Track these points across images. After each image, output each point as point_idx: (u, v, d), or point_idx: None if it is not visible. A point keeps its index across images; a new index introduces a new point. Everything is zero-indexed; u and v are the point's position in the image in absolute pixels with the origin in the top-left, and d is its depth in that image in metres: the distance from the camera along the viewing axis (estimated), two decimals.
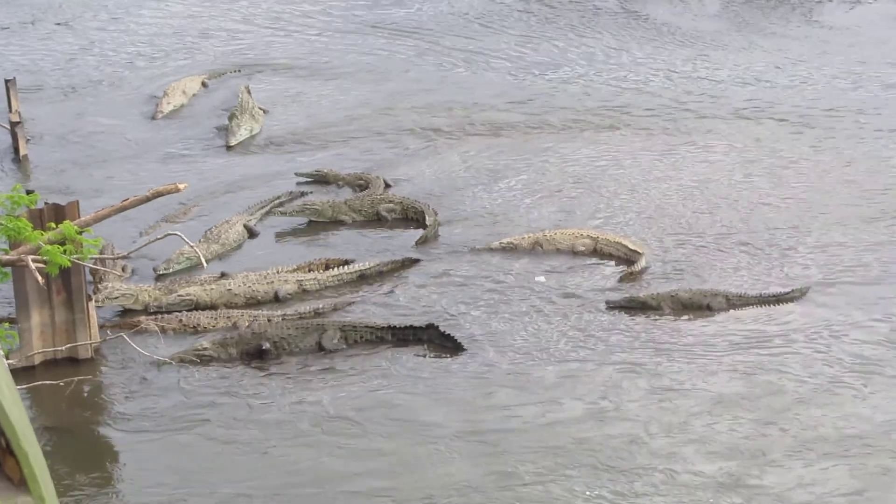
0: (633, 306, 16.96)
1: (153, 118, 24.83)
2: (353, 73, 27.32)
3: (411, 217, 20.15)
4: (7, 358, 11.68)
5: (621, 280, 17.89)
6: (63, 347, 15.58)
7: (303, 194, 21.06)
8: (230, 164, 22.63)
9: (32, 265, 12.25)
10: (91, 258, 13.82)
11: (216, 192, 21.26)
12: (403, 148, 23.18)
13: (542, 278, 17.98)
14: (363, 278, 18.18)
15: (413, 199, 20.35)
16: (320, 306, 17.30)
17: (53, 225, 13.28)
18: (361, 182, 21.42)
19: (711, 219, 19.75)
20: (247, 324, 16.67)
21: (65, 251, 12.54)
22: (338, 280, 18.11)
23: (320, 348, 16.11)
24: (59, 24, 30.92)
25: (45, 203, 15.39)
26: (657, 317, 16.78)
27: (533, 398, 14.87)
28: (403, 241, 19.44)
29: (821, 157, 22.31)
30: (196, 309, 17.35)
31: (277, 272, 17.98)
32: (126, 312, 17.23)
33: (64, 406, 14.89)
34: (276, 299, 17.67)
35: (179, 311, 17.20)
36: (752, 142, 23.12)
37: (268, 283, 17.76)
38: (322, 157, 22.78)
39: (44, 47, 29.16)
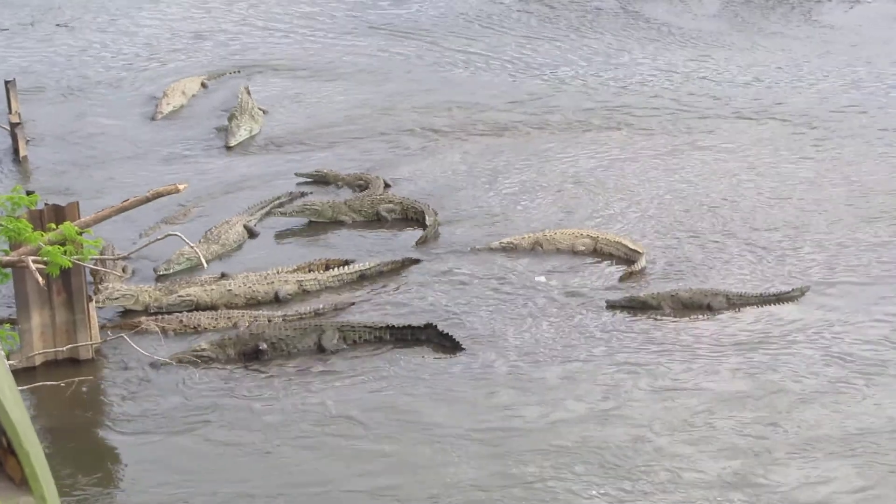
0: (634, 306, 16.96)
1: (153, 119, 24.84)
2: (352, 74, 27.32)
3: (411, 217, 20.15)
4: (8, 359, 11.67)
5: (621, 280, 17.89)
6: (64, 348, 15.57)
7: (303, 195, 21.05)
8: (230, 165, 22.63)
9: (33, 266, 12.25)
10: (91, 259, 13.81)
11: (216, 192, 21.26)
12: (403, 148, 23.18)
13: (542, 278, 17.98)
14: (363, 279, 18.18)
15: (413, 200, 20.35)
16: (321, 307, 17.29)
17: (54, 226, 13.27)
18: (361, 182, 21.42)
19: (712, 218, 19.74)
20: (246, 324, 16.67)
21: (65, 252, 12.54)
22: (338, 280, 18.11)
23: (320, 349, 16.12)
24: (58, 25, 30.92)
25: (46, 204, 15.39)
26: (658, 316, 16.78)
27: (535, 398, 14.87)
28: (403, 241, 19.45)
29: (822, 157, 22.31)
30: (196, 309, 17.34)
31: (278, 273, 17.98)
32: (126, 313, 17.23)
33: (65, 406, 14.89)
34: (277, 300, 17.67)
35: (180, 312, 17.20)
36: (753, 142, 23.11)
37: (268, 283, 17.75)
38: (322, 158, 22.78)
39: (44, 49, 29.15)
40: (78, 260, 13.04)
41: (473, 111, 24.78)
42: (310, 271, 18.25)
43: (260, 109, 24.69)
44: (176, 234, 14.74)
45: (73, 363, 15.80)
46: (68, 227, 12.65)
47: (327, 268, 18.37)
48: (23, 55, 28.64)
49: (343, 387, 15.31)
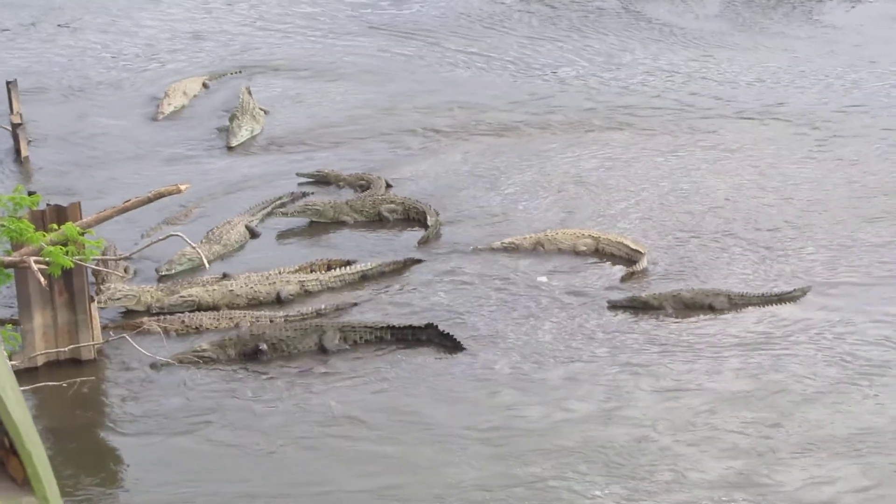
0: (636, 306, 16.95)
1: (154, 119, 24.85)
2: (354, 74, 27.32)
3: (413, 217, 20.14)
4: (10, 359, 11.67)
5: (623, 280, 17.88)
6: (66, 348, 15.57)
7: (304, 195, 21.05)
8: (231, 165, 22.64)
9: (35, 266, 12.24)
10: (93, 259, 13.80)
11: (217, 192, 21.26)
12: (405, 148, 23.18)
13: (544, 278, 17.97)
14: (365, 279, 18.18)
15: (415, 200, 20.35)
16: (322, 307, 17.29)
17: (55, 226, 13.26)
18: (363, 182, 21.41)
19: (714, 218, 19.73)
20: (248, 325, 16.67)
21: (67, 252, 12.53)
22: (340, 281, 18.10)
23: (322, 350, 16.11)
24: (60, 25, 30.93)
25: (47, 204, 15.39)
26: (660, 317, 16.78)
27: (537, 398, 14.86)
28: (405, 241, 19.44)
29: (825, 157, 22.30)
30: (198, 310, 17.34)
31: (279, 273, 17.98)
32: (128, 313, 17.23)
33: (67, 407, 14.89)
34: (279, 300, 17.67)
35: (182, 312, 17.20)
36: (756, 142, 23.09)
37: (270, 283, 17.75)
38: (323, 158, 22.79)
39: (45, 49, 29.16)
40: (80, 260, 13.03)
41: (475, 111, 24.78)
42: (312, 272, 18.24)
43: (261, 110, 24.70)
44: (178, 235, 14.74)
45: (75, 363, 15.80)
46: (70, 228, 12.64)
47: (329, 268, 18.36)
48: (24, 56, 28.65)
49: (345, 387, 15.31)
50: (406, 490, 13.24)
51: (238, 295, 17.63)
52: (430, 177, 21.79)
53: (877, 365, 15.49)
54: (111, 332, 16.38)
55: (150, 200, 13.83)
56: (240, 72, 27.54)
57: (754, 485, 13.21)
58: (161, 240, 14.70)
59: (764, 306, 17.00)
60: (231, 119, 23.96)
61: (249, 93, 24.88)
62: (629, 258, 18.40)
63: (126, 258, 17.70)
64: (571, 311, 16.99)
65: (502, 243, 18.85)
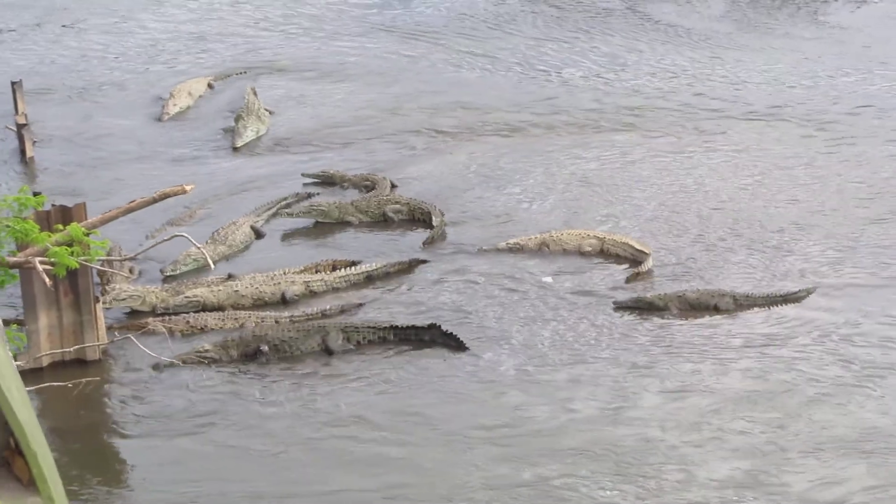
0: (641, 307, 16.94)
1: (159, 120, 24.87)
2: (359, 75, 27.32)
3: (418, 218, 20.14)
4: (15, 359, 11.67)
5: (628, 280, 17.87)
6: (71, 349, 15.56)
7: (309, 195, 21.05)
8: (237, 166, 22.65)
9: (40, 267, 12.24)
10: (98, 260, 13.79)
11: (223, 193, 21.27)
12: (410, 149, 23.18)
13: (549, 279, 17.96)
14: (370, 279, 18.17)
15: (420, 200, 20.34)
16: (327, 308, 17.29)
17: (61, 227, 13.26)
18: (368, 183, 21.42)
19: (720, 219, 19.71)
20: (253, 325, 16.68)
21: (72, 253, 12.52)
22: (345, 281, 18.10)
23: (327, 350, 16.10)
24: (65, 26, 30.96)
25: (53, 205, 15.39)
26: (665, 317, 16.76)
27: (544, 399, 14.84)
28: (410, 242, 19.44)
29: (832, 158, 22.26)
30: (203, 310, 17.34)
31: (284, 273, 17.98)
32: (133, 314, 17.24)
33: (72, 407, 14.89)
34: (284, 301, 17.67)
35: (187, 313, 17.20)
36: (763, 142, 23.07)
37: (275, 284, 17.75)
38: (328, 159, 22.79)
39: (50, 50, 29.20)
40: (85, 261, 13.02)
41: (481, 112, 24.78)
42: (317, 272, 18.24)
43: (266, 110, 24.71)
44: (183, 235, 14.73)
45: (80, 364, 15.80)
46: (75, 228, 12.64)
47: (334, 269, 18.36)
48: (29, 56, 28.69)
49: (350, 388, 15.30)
50: (412, 490, 13.23)
51: (243, 295, 17.63)
52: (435, 177, 21.79)
53: (882, 366, 15.46)
54: (116, 333, 16.37)
55: (155, 201, 13.81)
56: (245, 72, 27.56)
57: (762, 485, 13.19)
58: (166, 240, 14.70)
59: (769, 307, 16.98)
60: (236, 120, 23.97)
61: (255, 93, 24.89)
62: (634, 259, 18.39)
63: (131, 259, 17.70)
64: (577, 311, 16.97)
65: (507, 244, 18.85)
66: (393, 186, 21.30)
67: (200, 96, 26.11)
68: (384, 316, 16.99)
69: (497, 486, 13.21)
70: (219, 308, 17.42)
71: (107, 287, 17.38)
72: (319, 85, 26.76)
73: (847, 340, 16.07)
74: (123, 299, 17.16)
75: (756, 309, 16.94)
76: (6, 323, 15.60)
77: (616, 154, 22.59)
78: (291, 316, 17.00)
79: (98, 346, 15.90)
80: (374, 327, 16.37)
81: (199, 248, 14.96)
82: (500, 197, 20.83)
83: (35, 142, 23.09)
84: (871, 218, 19.69)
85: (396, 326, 16.38)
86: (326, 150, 23.29)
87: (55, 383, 14.26)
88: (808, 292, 17.22)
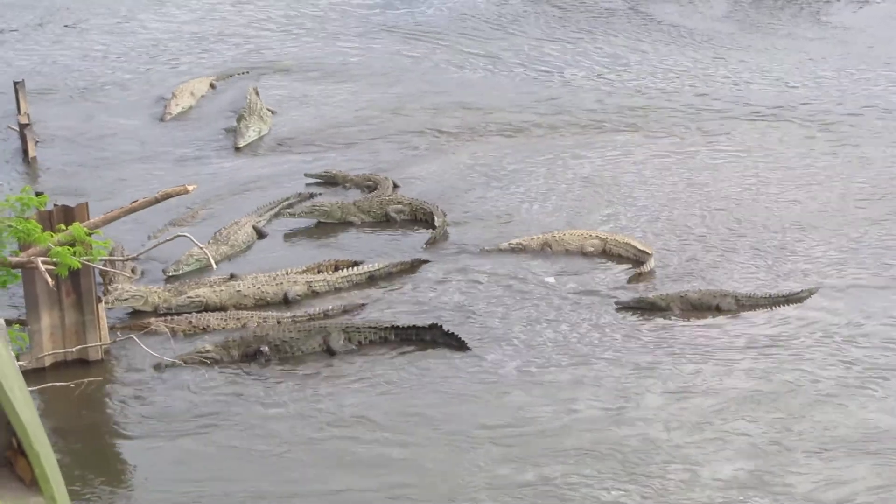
0: (643, 307, 16.94)
1: (162, 120, 24.86)
2: (361, 75, 27.31)
3: (420, 218, 20.13)
4: (18, 359, 11.68)
5: (630, 281, 17.87)
6: (73, 349, 15.56)
7: (312, 195, 21.05)
8: (239, 166, 22.64)
9: (42, 267, 12.24)
10: (101, 260, 13.80)
11: (225, 193, 21.26)
12: (412, 149, 23.17)
13: (551, 279, 17.96)
14: (372, 280, 18.17)
15: (422, 200, 20.33)
16: (330, 308, 17.29)
17: (63, 227, 13.26)
18: (370, 183, 21.41)
19: (723, 219, 19.70)
20: (254, 325, 16.68)
21: (74, 253, 12.53)
22: (347, 281, 18.09)
23: (329, 351, 16.10)
24: (67, 26, 30.96)
25: (55, 205, 15.39)
26: (667, 318, 16.76)
27: (547, 399, 14.84)
28: (412, 242, 19.44)
29: (836, 159, 22.25)
30: (205, 310, 17.34)
31: (287, 274, 17.98)
32: (136, 314, 17.24)
33: (74, 407, 14.89)
34: (286, 301, 17.67)
35: (189, 313, 17.20)
36: (767, 143, 23.04)
37: (277, 284, 17.75)
38: (331, 159, 22.78)
39: (52, 50, 29.19)
40: (87, 261, 13.02)
41: (483, 112, 24.77)
42: (319, 272, 18.24)
43: (268, 110, 24.71)
44: (185, 236, 14.74)
45: (82, 364, 15.80)
46: (77, 228, 12.64)
47: (336, 269, 18.36)
48: (31, 56, 28.68)
49: (353, 389, 15.29)
50: (414, 491, 13.22)
51: (245, 295, 17.63)
52: (437, 177, 21.78)
53: (886, 367, 15.45)
54: (118, 333, 16.38)
55: (157, 201, 13.82)
56: (247, 72, 27.55)
57: (767, 485, 13.18)
58: (169, 240, 14.70)
59: (771, 307, 16.97)
60: (238, 120, 23.97)
61: (257, 93, 24.88)
62: (637, 259, 18.39)
63: (133, 259, 17.70)
64: (579, 311, 16.97)
65: (510, 244, 18.84)
66: (395, 186, 21.30)
67: (203, 96, 26.10)
68: (386, 316, 16.98)
69: (500, 487, 13.21)
70: (221, 308, 17.42)
71: (109, 287, 17.38)
72: (322, 85, 26.75)
73: (850, 341, 16.06)
74: (126, 299, 17.16)
75: (758, 309, 16.93)
76: (9, 323, 15.61)
77: (618, 154, 22.58)
78: (294, 316, 16.99)
79: (100, 346, 15.90)
80: (375, 327, 16.36)
81: (201, 248, 14.98)
82: (502, 197, 20.83)
83: (37, 142, 23.10)
84: (874, 218, 19.68)
85: (397, 326, 16.38)
86: (329, 150, 23.28)
87: (57, 383, 14.28)
88: (811, 293, 17.21)
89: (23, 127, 22.82)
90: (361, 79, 27.04)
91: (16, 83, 23.74)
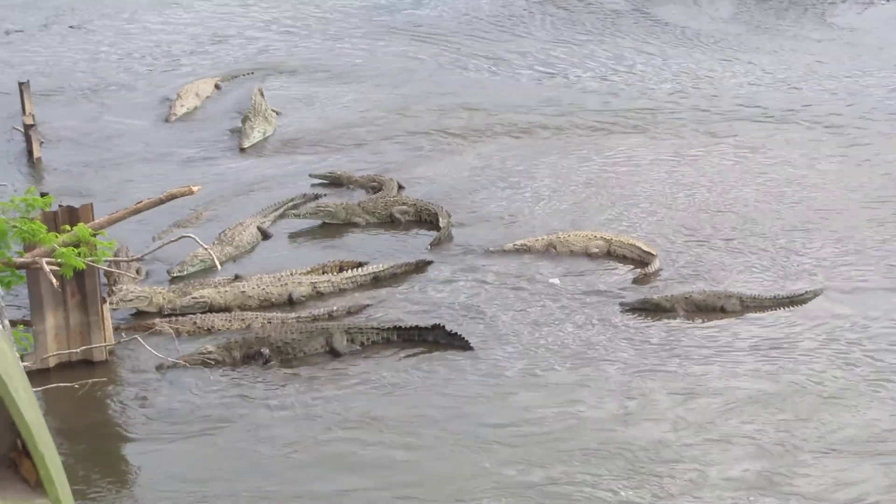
0: (648, 308, 16.92)
1: (167, 121, 24.86)
2: (366, 76, 27.30)
3: (425, 219, 20.12)
4: (22, 360, 11.67)
5: (635, 282, 17.85)
6: (78, 350, 15.56)
7: (316, 196, 21.04)
8: (244, 167, 22.64)
9: (47, 267, 12.23)
10: (105, 260, 13.80)
11: (230, 194, 21.26)
12: (417, 150, 23.16)
13: (556, 280, 17.94)
14: (377, 280, 18.16)
15: (427, 201, 20.32)
16: (334, 309, 17.28)
17: (68, 227, 13.26)
18: (375, 184, 21.40)
19: (727, 220, 19.68)
20: (258, 326, 16.66)
21: (79, 254, 12.52)
22: (352, 282, 18.09)
23: (333, 352, 16.08)
24: (72, 27, 30.98)
25: (60, 206, 15.39)
26: (672, 318, 16.74)
27: (553, 400, 14.81)
28: (417, 243, 19.42)
29: (843, 160, 22.20)
30: (210, 311, 17.34)
31: (291, 274, 17.97)
32: (140, 315, 17.24)
33: (79, 408, 14.87)
34: (290, 301, 17.66)
35: (194, 314, 17.20)
36: (773, 145, 22.98)
37: (281, 285, 17.74)
38: (336, 160, 22.78)
39: (58, 50, 29.20)
40: (92, 261, 13.01)
41: (488, 113, 24.75)
42: (323, 273, 18.23)
43: (273, 111, 24.71)
44: (190, 236, 14.73)
45: (86, 365, 15.80)
46: (82, 229, 12.63)
47: (341, 270, 18.34)
48: (36, 57, 28.69)
49: (358, 390, 15.26)
50: (420, 491, 13.20)
51: (250, 296, 17.62)
52: (442, 178, 21.77)
53: (891, 368, 15.42)
54: (123, 334, 16.37)
55: (162, 202, 13.80)
56: (252, 73, 27.55)
57: (775, 485, 13.16)
58: (173, 241, 14.70)
59: (776, 308, 16.95)
60: (243, 121, 23.97)
61: (262, 94, 24.88)
62: (641, 260, 18.37)
63: (138, 259, 17.69)
64: (584, 313, 16.95)
65: (514, 245, 18.83)
66: (400, 187, 21.28)
67: (208, 97, 26.11)
68: (391, 317, 16.97)
69: (506, 488, 13.18)
70: (226, 309, 17.41)
71: (114, 288, 17.38)
72: (327, 86, 26.74)
73: (856, 343, 16.03)
74: (130, 300, 17.16)
75: (763, 310, 16.90)
76: (13, 324, 15.62)
77: (623, 156, 22.55)
78: (298, 317, 16.98)
79: (105, 346, 15.89)
80: (377, 328, 16.35)
81: (205, 248, 14.98)
82: (507, 198, 20.81)
83: (42, 142, 23.11)
84: (881, 220, 19.65)
85: (400, 327, 16.37)
86: (334, 151, 23.27)
87: (62, 384, 14.25)
88: (816, 294, 17.19)
89: (28, 128, 22.83)
90: (367, 80, 27.04)
91: (21, 84, 23.76)
